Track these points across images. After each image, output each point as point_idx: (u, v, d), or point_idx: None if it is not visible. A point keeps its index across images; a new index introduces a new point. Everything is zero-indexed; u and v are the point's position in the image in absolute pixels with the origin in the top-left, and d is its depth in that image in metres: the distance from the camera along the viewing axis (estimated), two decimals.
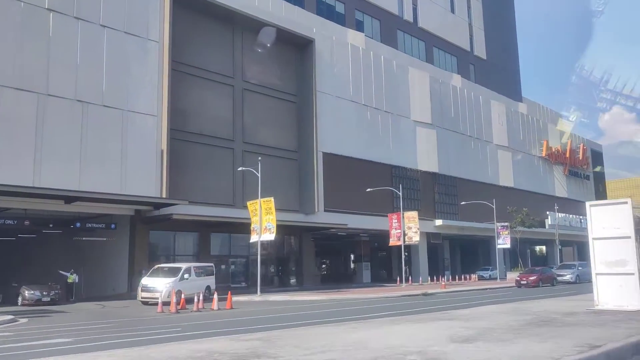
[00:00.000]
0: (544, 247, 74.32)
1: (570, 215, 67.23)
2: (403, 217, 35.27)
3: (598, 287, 12.92)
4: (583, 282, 38.09)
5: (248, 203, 28.76)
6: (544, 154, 64.64)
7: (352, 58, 42.49)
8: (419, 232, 34.72)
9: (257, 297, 25.40)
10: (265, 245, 37.78)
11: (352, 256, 52.50)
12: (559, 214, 64.94)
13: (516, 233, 44.86)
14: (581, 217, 68.02)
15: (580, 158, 72.34)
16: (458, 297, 26.14)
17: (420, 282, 43.00)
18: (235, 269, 35.86)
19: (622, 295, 12.15)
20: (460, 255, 59.52)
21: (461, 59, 62.00)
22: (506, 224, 44.11)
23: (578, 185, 72.23)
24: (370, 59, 44.09)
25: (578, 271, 37.71)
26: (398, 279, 37.89)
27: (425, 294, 27.55)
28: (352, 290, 31.77)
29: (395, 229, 35.63)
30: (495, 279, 45.55)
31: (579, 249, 75.76)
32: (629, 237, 12.01)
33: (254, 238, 28.11)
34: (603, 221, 12.73)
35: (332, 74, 40.46)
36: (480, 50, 65.06)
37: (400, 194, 36.46)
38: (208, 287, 22.78)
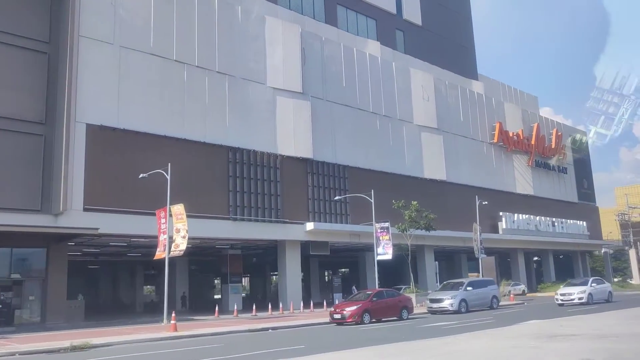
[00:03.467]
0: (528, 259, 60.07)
1: (538, 217, 53.08)
2: (170, 216, 22.44)
3: None
4: (474, 310, 24.63)
5: None
6: (495, 140, 50.80)
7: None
8: (187, 238, 21.83)
9: None
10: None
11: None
12: (521, 215, 51.16)
13: (406, 237, 31.28)
14: (554, 219, 54.08)
15: (553, 146, 58.01)
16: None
17: (281, 311, 30.08)
18: None
19: None
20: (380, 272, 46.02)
21: (383, 23, 48.94)
22: (386, 224, 30.63)
23: (551, 180, 57.83)
24: (193, 0, 31.75)
25: (466, 294, 24.03)
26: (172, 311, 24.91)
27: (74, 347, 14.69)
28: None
29: (163, 232, 22.83)
30: None
31: (561, 261, 60.96)
32: None
33: None
34: None
35: (110, 16, 28.17)
36: (413, 14, 51.90)
37: (169, 177, 23.62)
38: None
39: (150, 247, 29.26)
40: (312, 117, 36.01)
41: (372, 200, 31.52)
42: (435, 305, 24.08)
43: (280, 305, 31.72)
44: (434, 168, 44.11)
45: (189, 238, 22.35)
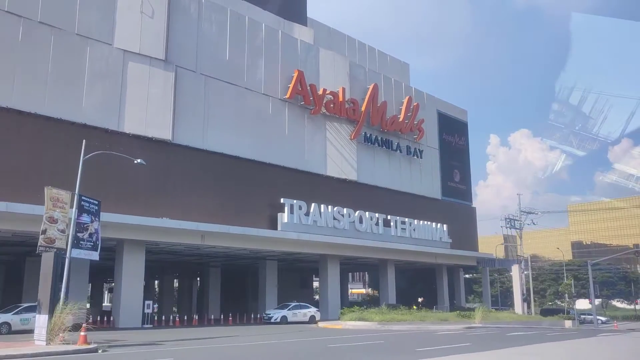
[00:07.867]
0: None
1: (357, 212, 37.54)
2: None
3: None
4: None
5: None
6: (288, 95, 35.07)
7: None
8: None
9: None
10: None
11: None
12: (326, 206, 35.79)
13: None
14: (389, 216, 38.72)
15: (401, 119, 42.53)
16: None
17: None
18: None
19: None
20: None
21: None
22: None
23: (396, 164, 42.30)
24: None
25: None
26: None
27: None
28: None
29: None
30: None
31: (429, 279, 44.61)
32: None
33: None
34: None
35: None
36: None
37: None
38: None
39: None
40: None
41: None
42: None
43: None
44: (147, 121, 28.17)
45: None
